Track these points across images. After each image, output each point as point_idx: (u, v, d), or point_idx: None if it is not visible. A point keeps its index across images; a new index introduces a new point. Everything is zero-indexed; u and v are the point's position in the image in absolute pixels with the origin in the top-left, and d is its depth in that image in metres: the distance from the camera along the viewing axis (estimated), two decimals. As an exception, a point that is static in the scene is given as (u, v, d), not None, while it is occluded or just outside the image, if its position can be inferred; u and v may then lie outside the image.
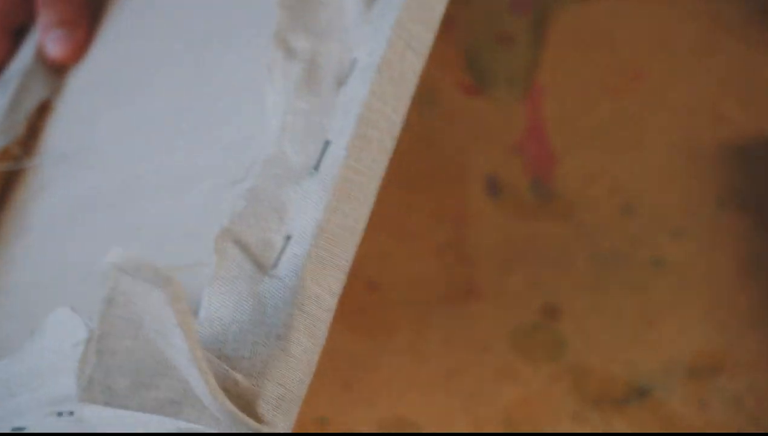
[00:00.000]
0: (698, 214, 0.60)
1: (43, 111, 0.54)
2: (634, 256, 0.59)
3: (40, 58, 0.54)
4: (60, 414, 0.38)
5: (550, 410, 0.55)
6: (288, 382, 0.36)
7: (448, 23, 0.65)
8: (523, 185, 0.61)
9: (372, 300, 0.58)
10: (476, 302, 0.58)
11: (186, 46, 0.49)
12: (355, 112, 0.39)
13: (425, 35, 0.41)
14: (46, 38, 0.54)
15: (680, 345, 0.57)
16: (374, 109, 0.40)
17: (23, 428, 0.38)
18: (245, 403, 0.35)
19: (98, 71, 0.53)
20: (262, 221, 0.39)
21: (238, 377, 0.36)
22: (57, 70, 0.54)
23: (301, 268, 0.37)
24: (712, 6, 0.65)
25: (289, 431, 0.36)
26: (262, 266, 0.38)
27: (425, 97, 0.63)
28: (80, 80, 0.54)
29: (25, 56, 0.55)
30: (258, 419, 0.35)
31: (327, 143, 0.40)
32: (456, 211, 0.60)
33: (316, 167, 0.39)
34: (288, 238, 0.39)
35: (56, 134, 0.52)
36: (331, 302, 0.38)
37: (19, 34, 0.57)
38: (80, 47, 0.54)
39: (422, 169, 0.61)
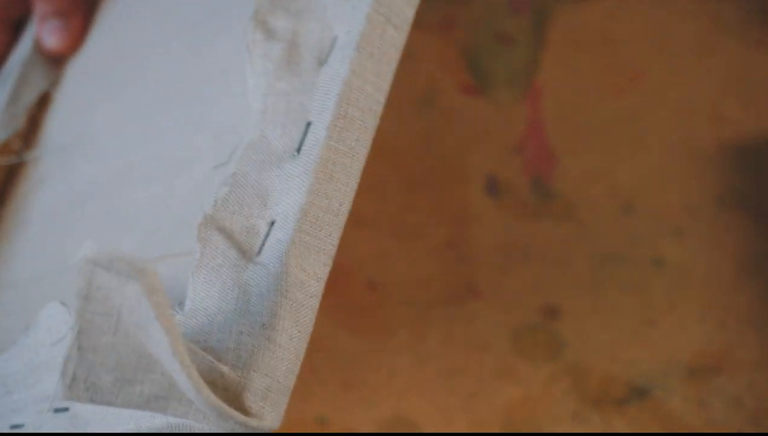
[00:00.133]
0: (698, 214, 0.60)
1: (43, 103, 0.53)
2: (634, 256, 0.59)
3: (38, 49, 0.54)
4: (57, 411, 0.37)
5: (550, 410, 0.55)
6: (275, 372, 0.36)
7: (448, 23, 0.66)
8: (523, 185, 0.61)
9: (372, 300, 0.58)
10: (476, 302, 0.58)
11: (178, 33, 0.49)
12: (336, 92, 0.39)
13: (406, 10, 0.40)
14: (42, 29, 0.54)
15: (680, 345, 0.57)
16: (354, 87, 0.39)
17: (21, 426, 0.38)
18: (232, 396, 0.35)
19: (95, 62, 0.53)
20: (245, 207, 0.38)
21: (224, 369, 0.35)
22: (55, 61, 0.54)
23: (284, 253, 0.37)
24: (712, 6, 0.65)
25: (279, 423, 0.36)
26: (246, 253, 0.38)
27: (425, 97, 0.63)
28: (78, 71, 0.54)
29: (23, 48, 0.55)
30: (245, 411, 0.35)
31: (308, 124, 0.39)
32: (456, 211, 0.60)
33: (299, 150, 0.39)
34: (272, 223, 0.38)
35: (55, 126, 0.52)
36: (316, 287, 0.37)
37: (19, 26, 0.57)
38: (76, 37, 0.54)
39: (422, 169, 0.61)
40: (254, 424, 0.35)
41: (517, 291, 0.58)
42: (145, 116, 0.48)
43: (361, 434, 0.55)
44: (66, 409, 0.37)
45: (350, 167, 0.38)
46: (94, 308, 0.34)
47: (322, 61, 0.40)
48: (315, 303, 0.37)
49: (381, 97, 0.40)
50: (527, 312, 0.58)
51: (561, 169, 0.61)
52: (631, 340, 0.57)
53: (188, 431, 0.35)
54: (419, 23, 0.65)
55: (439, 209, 0.60)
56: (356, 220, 0.59)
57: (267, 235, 0.38)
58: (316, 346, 0.56)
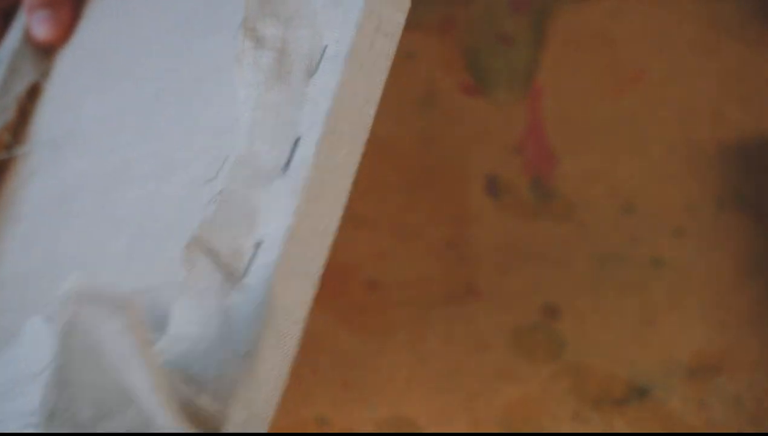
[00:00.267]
0: (698, 214, 0.60)
1: (33, 94, 0.53)
2: (634, 256, 0.59)
3: (28, 40, 0.54)
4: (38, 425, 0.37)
5: (550, 410, 0.55)
6: (254, 405, 0.35)
7: (448, 23, 0.66)
8: (523, 185, 0.61)
9: (372, 300, 0.58)
10: (476, 302, 0.58)
11: (170, 27, 0.48)
12: (325, 107, 0.38)
13: (397, 16, 0.39)
14: (31, 19, 0.54)
15: (680, 345, 0.57)
16: (344, 101, 0.38)
17: None
18: (211, 429, 0.35)
19: (85, 53, 0.53)
20: (233, 227, 0.38)
21: (205, 400, 0.35)
22: (45, 52, 0.54)
23: (270, 278, 0.36)
24: (711, 6, 0.65)
25: None
26: (231, 275, 0.37)
27: (425, 97, 0.63)
28: (68, 62, 0.53)
29: (13, 39, 0.54)
30: None
31: (297, 140, 0.38)
32: (456, 211, 0.60)
33: (287, 166, 0.38)
34: (258, 244, 0.37)
35: (46, 118, 0.52)
36: (300, 313, 0.36)
37: (9, 17, 0.56)
38: (66, 28, 0.54)
39: (422, 169, 0.61)
40: None
41: (517, 291, 0.58)
42: (139, 112, 0.47)
43: (361, 434, 0.55)
44: None
45: (339, 185, 0.38)
46: (75, 343, 0.34)
47: (311, 72, 0.40)
48: (298, 330, 0.36)
49: (371, 109, 0.39)
50: (527, 312, 0.58)
51: (561, 169, 0.61)
52: (631, 340, 0.57)
53: None
54: (419, 23, 0.65)
55: (439, 209, 0.60)
56: (356, 220, 0.59)
57: (253, 257, 0.37)
58: (316, 346, 0.56)
